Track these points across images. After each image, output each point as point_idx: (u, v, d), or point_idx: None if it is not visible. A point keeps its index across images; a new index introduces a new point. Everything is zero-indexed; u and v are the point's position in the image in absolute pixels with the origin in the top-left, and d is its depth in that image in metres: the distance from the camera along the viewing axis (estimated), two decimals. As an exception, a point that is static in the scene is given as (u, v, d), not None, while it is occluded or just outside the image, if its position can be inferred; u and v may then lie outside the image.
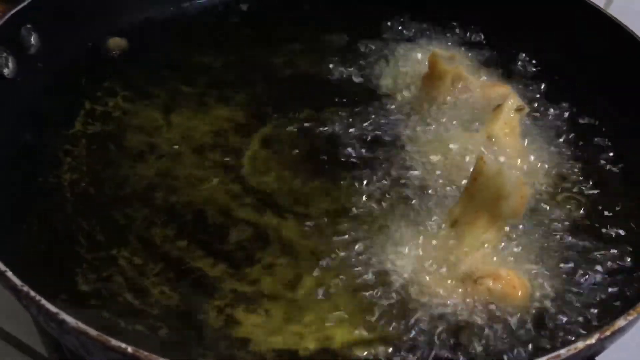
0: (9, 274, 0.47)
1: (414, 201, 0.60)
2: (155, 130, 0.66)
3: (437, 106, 0.68)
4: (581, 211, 0.61)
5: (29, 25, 0.66)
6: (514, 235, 0.57)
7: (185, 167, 0.63)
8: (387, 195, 0.61)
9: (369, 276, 0.54)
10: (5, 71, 0.64)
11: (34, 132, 0.65)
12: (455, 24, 0.78)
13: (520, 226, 0.58)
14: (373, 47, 0.76)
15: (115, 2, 0.75)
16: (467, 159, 0.62)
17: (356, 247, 0.57)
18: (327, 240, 0.57)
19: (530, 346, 0.51)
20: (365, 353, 0.50)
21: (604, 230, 0.60)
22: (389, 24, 0.79)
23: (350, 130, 0.67)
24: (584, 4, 0.73)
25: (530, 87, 0.72)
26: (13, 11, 0.65)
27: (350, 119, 0.68)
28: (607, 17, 0.71)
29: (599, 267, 0.56)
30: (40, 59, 0.68)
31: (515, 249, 0.57)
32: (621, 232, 0.60)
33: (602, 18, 0.71)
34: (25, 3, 0.66)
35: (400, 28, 0.79)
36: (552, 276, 0.55)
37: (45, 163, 0.62)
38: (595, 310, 0.53)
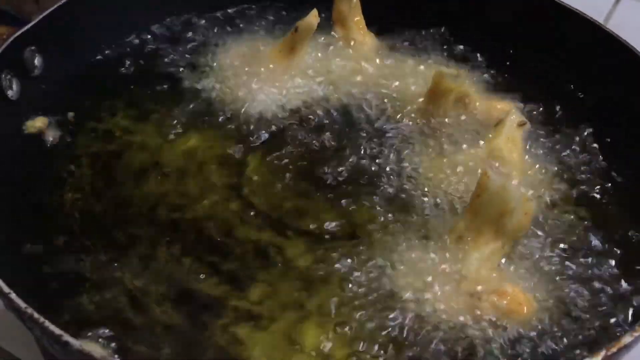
0: (13, 295, 0.47)
1: (417, 218, 0.60)
2: (158, 149, 0.67)
3: (440, 122, 0.68)
4: (585, 227, 0.61)
5: (32, 48, 0.67)
6: (519, 251, 0.57)
7: (188, 185, 0.63)
8: (390, 212, 0.60)
9: (372, 294, 0.54)
10: (10, 93, 0.65)
11: (37, 152, 0.65)
12: (457, 42, 0.79)
13: (525, 242, 0.58)
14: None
15: (116, 22, 0.76)
16: (471, 174, 0.62)
17: (359, 264, 0.56)
18: (330, 258, 0.57)
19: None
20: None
21: (607, 246, 0.59)
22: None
23: (353, 146, 0.67)
24: (585, 21, 0.73)
25: (533, 103, 0.72)
26: (17, 34, 0.65)
27: (353, 135, 0.68)
28: (612, 36, 0.71)
29: (603, 284, 0.56)
30: (44, 80, 0.68)
31: (519, 265, 0.56)
32: (623, 249, 0.59)
33: (607, 36, 0.71)
34: (29, 26, 0.67)
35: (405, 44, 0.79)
36: (556, 292, 0.55)
37: (49, 183, 0.63)
38: (601, 327, 0.53)
